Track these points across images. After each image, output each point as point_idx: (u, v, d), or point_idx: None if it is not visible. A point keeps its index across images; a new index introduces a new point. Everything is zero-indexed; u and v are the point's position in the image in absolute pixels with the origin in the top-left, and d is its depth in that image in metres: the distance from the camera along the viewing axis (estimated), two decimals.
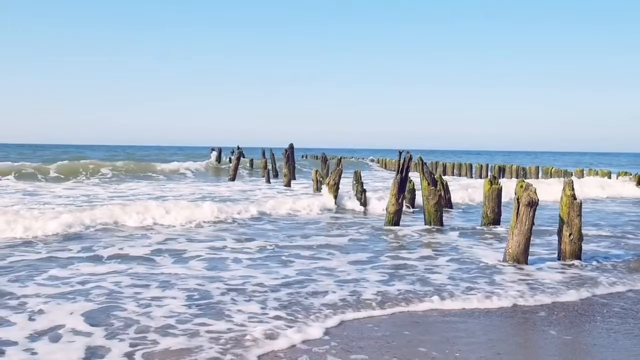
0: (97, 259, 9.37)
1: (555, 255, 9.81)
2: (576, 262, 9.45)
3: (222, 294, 7.34)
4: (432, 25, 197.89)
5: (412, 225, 13.70)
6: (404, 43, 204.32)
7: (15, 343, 5.49)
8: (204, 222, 13.48)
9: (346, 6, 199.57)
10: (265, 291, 7.50)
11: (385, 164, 53.17)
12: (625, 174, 28.50)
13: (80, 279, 7.96)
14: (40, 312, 6.44)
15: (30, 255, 9.57)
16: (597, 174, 29.45)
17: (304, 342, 5.68)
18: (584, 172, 30.78)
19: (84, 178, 29.81)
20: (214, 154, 44.74)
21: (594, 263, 9.64)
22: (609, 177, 28.87)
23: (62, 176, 29.98)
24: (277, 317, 6.37)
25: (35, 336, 5.70)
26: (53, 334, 5.78)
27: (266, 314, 6.51)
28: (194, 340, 5.65)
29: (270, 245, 10.91)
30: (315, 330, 6.00)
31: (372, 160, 61.69)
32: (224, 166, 40.28)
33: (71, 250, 10.09)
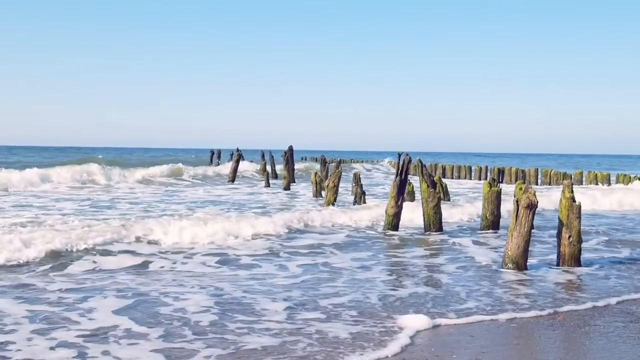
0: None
1: (554, 257, 9.78)
2: (575, 264, 9.43)
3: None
4: (435, 25, 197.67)
5: (411, 228, 13.67)
6: (404, 43, 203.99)
7: (82, 346, 5.51)
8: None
9: (348, 7, 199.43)
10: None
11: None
12: (625, 176, 28.50)
13: None
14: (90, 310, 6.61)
15: None
16: (596, 176, 29.43)
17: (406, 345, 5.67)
18: (583, 174, 30.75)
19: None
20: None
21: (593, 265, 9.63)
22: (608, 180, 28.84)
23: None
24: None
25: (96, 338, 5.74)
26: (110, 335, 5.82)
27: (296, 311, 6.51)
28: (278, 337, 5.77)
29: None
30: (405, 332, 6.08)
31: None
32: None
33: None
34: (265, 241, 11.60)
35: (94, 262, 9.27)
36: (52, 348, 5.44)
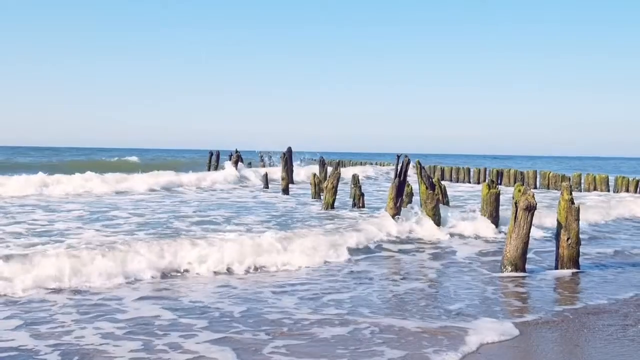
0: None
1: (553, 259, 9.78)
2: (573, 266, 9.44)
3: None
4: (437, 26, 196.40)
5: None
6: (408, 44, 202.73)
7: (145, 339, 5.60)
8: None
9: (350, 7, 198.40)
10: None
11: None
12: (623, 178, 28.52)
13: None
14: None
15: None
16: (594, 179, 29.45)
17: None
18: (582, 176, 30.76)
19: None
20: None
21: (591, 268, 9.64)
22: (607, 183, 28.84)
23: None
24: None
25: (138, 330, 5.87)
26: (157, 325, 5.97)
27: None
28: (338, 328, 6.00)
29: None
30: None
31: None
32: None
33: None
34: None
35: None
36: (103, 336, 5.60)
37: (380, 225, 12.73)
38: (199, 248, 9.26)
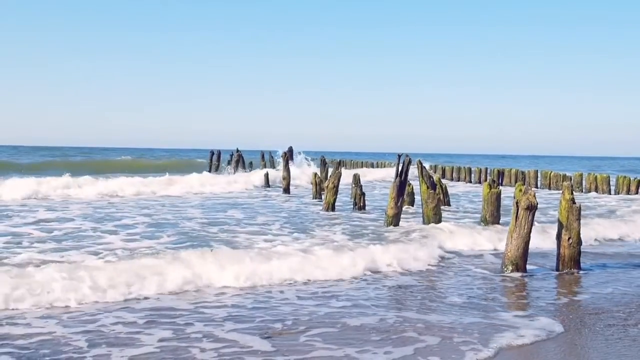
0: None
1: (554, 258, 9.78)
2: (574, 266, 9.44)
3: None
4: (438, 27, 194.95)
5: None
6: (411, 45, 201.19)
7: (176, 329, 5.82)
8: None
9: (351, 8, 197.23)
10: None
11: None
12: (624, 178, 28.50)
13: None
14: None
15: None
16: (596, 178, 29.44)
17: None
18: (583, 176, 30.75)
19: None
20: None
21: (592, 268, 9.64)
22: (608, 182, 28.84)
23: None
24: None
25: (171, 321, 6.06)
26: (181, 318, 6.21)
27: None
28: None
29: None
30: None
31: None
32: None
33: None
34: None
35: None
36: (124, 324, 5.82)
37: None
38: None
